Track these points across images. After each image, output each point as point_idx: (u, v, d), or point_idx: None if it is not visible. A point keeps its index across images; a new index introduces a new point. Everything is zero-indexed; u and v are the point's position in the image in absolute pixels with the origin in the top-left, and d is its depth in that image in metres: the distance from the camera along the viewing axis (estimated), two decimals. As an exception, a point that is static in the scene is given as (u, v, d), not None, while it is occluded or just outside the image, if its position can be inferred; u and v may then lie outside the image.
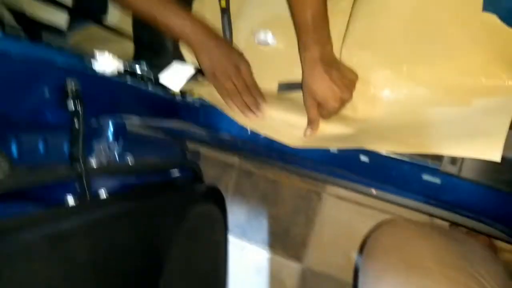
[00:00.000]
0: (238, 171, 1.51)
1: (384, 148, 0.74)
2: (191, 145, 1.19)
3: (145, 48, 1.04)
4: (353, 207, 1.32)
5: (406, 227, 0.85)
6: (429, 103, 0.74)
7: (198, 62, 0.86)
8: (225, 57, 0.83)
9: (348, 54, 0.85)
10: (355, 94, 0.81)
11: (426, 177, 0.72)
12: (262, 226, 1.47)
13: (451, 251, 0.76)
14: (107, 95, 0.67)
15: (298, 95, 0.92)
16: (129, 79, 0.70)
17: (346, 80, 0.79)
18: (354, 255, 1.32)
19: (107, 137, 0.70)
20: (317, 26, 0.77)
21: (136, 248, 0.61)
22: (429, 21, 0.72)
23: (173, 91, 0.84)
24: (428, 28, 0.73)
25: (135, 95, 0.74)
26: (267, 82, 0.96)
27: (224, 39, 0.92)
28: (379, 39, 0.80)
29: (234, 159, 1.52)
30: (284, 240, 1.44)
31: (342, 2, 0.90)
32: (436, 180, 0.71)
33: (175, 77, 0.87)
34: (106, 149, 0.69)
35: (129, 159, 0.72)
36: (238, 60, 0.85)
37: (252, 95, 0.85)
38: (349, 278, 1.36)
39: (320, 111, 0.81)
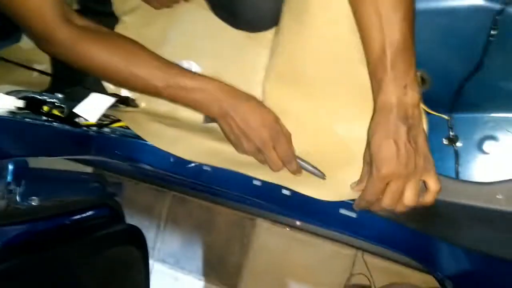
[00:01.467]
0: (172, 198, 1.47)
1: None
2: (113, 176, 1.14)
3: (64, 77, 0.98)
4: (286, 232, 1.32)
5: None
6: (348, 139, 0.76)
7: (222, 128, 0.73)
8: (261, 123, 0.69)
9: (270, 87, 0.85)
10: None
11: (343, 211, 0.74)
12: (196, 255, 1.44)
13: None
14: (4, 135, 0.62)
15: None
16: (30, 117, 0.65)
17: (420, 148, 0.57)
18: (288, 282, 1.32)
19: (6, 180, 0.64)
20: (396, 60, 0.57)
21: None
22: (343, 60, 0.74)
23: (86, 123, 0.80)
24: (343, 67, 0.75)
25: (40, 132, 0.69)
26: (191, 111, 0.95)
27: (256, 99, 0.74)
28: (299, 74, 0.81)
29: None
30: (219, 269, 1.41)
31: (268, 34, 0.91)
32: (353, 214, 0.72)
33: (92, 107, 0.82)
34: (5, 193, 0.64)
35: (34, 201, 0.66)
36: (276, 129, 0.71)
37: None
38: (283, 305, 1.35)
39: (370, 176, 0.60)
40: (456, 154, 0.72)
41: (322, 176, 0.70)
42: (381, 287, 0.95)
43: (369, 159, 0.60)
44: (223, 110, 0.69)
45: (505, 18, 0.60)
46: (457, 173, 0.72)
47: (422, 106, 0.69)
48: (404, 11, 0.56)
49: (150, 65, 0.70)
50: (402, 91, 0.57)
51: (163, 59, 0.72)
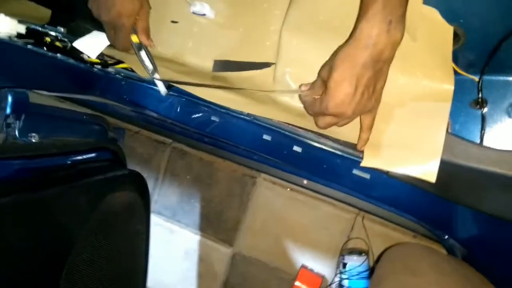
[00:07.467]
0: (171, 150, 1.44)
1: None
2: (114, 121, 1.09)
3: (63, 11, 0.92)
4: (286, 192, 1.31)
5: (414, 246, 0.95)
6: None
7: None
8: None
9: (288, 36, 0.80)
10: (294, 79, 0.77)
11: (356, 171, 0.71)
12: (193, 209, 1.42)
13: (451, 270, 0.79)
14: (3, 59, 0.57)
15: (233, 75, 0.86)
16: (31, 44, 0.60)
17: (375, 93, 0.59)
18: (284, 240, 1.32)
19: (4, 112, 0.60)
20: None
21: (28, 246, 0.53)
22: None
23: (90, 59, 0.75)
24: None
25: (41, 64, 0.64)
26: (202, 57, 0.89)
27: None
28: (320, 24, 0.77)
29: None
30: (216, 224, 1.40)
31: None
32: (366, 176, 0.70)
33: (93, 43, 0.77)
34: (3, 126, 0.59)
35: (34, 138, 0.62)
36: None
37: None
38: (278, 263, 1.36)
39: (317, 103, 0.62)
40: (483, 118, 0.69)
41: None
42: (387, 248, 0.95)
43: (326, 79, 0.59)
44: None
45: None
46: (482, 138, 0.69)
47: (452, 65, 0.65)
48: None
49: None
50: (386, 26, 0.53)
51: None
